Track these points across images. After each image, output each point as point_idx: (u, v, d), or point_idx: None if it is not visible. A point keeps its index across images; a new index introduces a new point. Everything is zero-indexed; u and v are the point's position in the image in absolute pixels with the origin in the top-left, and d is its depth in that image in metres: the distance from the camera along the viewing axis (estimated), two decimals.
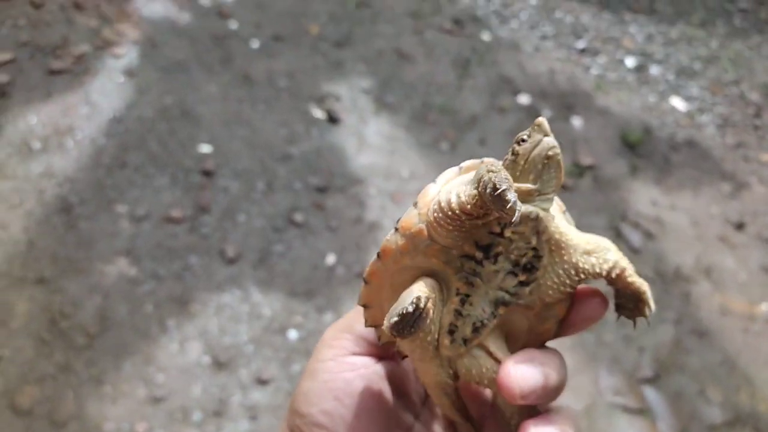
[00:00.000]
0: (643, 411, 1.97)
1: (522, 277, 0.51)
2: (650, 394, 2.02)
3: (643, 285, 0.54)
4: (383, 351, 0.61)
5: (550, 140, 0.49)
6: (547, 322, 0.54)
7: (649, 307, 0.54)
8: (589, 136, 2.95)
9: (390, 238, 0.53)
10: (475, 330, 0.52)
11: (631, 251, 2.45)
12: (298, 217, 2.30)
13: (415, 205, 0.52)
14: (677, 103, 3.29)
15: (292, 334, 1.98)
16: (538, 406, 0.54)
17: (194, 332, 1.93)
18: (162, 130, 2.52)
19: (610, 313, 1.97)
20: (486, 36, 3.45)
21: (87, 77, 2.67)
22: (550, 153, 0.48)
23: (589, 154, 2.85)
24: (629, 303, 0.55)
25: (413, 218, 0.51)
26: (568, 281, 0.52)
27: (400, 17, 3.44)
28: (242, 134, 2.57)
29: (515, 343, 0.55)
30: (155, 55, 2.83)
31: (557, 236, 0.50)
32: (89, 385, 1.77)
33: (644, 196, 2.71)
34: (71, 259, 2.05)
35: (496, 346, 0.53)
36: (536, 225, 0.49)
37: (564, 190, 2.66)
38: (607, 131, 3.00)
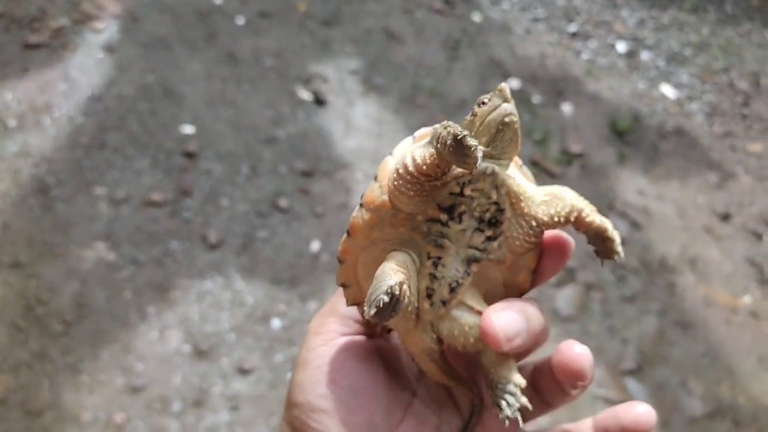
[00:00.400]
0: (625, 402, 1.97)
1: (488, 232, 0.53)
2: (632, 385, 2.03)
3: (605, 223, 0.54)
4: (371, 328, 0.61)
5: (508, 106, 0.50)
6: (520, 274, 0.56)
7: (615, 244, 0.54)
8: (578, 122, 2.92)
9: (356, 214, 0.54)
10: (452, 290, 0.53)
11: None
12: (283, 202, 2.26)
13: (376, 178, 0.53)
14: (667, 90, 3.27)
15: (275, 323, 1.95)
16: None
17: (174, 320, 1.89)
18: (143, 110, 2.45)
19: (595, 303, 1.95)
20: (477, 17, 3.38)
21: (65, 52, 2.58)
22: (506, 119, 0.50)
23: (578, 141, 2.82)
24: (598, 244, 0.55)
25: (375, 191, 0.53)
26: (531, 232, 0.53)
27: None
28: (226, 115, 2.51)
29: (493, 300, 0.56)
30: (136, 30, 2.74)
31: (515, 188, 0.52)
32: (66, 373, 1.73)
33: (632, 185, 2.69)
34: (48, 243, 1.99)
35: (474, 300, 0.55)
36: (494, 180, 0.51)
37: (552, 178, 2.64)
38: (597, 118, 2.97)
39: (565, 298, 2.23)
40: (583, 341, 1.79)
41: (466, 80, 2.98)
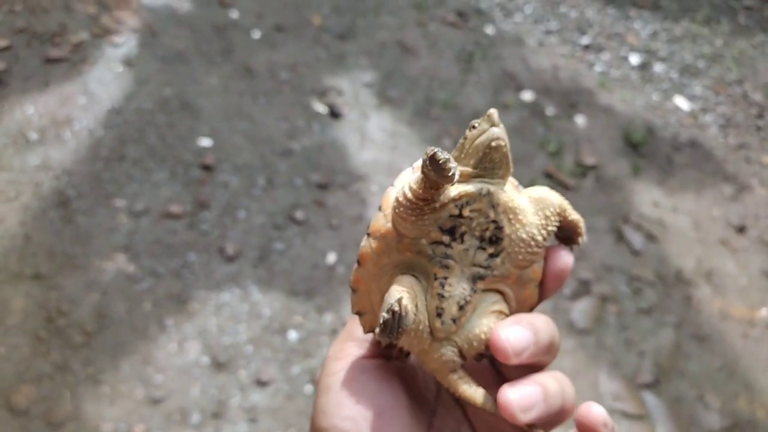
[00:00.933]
0: (642, 416, 1.97)
1: (490, 250, 0.56)
2: (650, 399, 2.02)
3: (579, 219, 0.60)
4: (389, 352, 0.62)
5: (496, 131, 0.53)
6: (527, 288, 0.58)
7: (582, 237, 0.60)
8: (592, 134, 2.92)
9: (364, 243, 0.57)
10: (461, 308, 0.56)
11: (633, 254, 2.44)
12: (299, 214, 2.28)
13: (380, 208, 0.57)
14: (681, 102, 3.26)
15: (292, 335, 1.96)
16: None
17: (193, 332, 1.91)
18: (161, 123, 2.48)
19: (611, 315, 1.95)
20: (490, 29, 3.40)
21: (85, 66, 2.62)
22: (493, 143, 0.53)
23: (592, 153, 2.82)
24: (566, 234, 0.60)
25: (380, 220, 0.56)
26: (533, 242, 0.56)
27: (403, 9, 3.40)
28: (243, 128, 2.53)
29: (506, 314, 0.58)
30: (155, 44, 2.78)
31: (511, 204, 0.55)
32: (86, 384, 1.75)
33: (646, 197, 2.69)
34: (68, 255, 2.02)
35: (480, 317, 0.57)
36: (490, 199, 0.54)
37: (566, 190, 2.64)
38: (611, 130, 2.97)
39: (581, 310, 2.23)
40: (598, 354, 1.80)
41: (479, 92, 3.00)
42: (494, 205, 0.55)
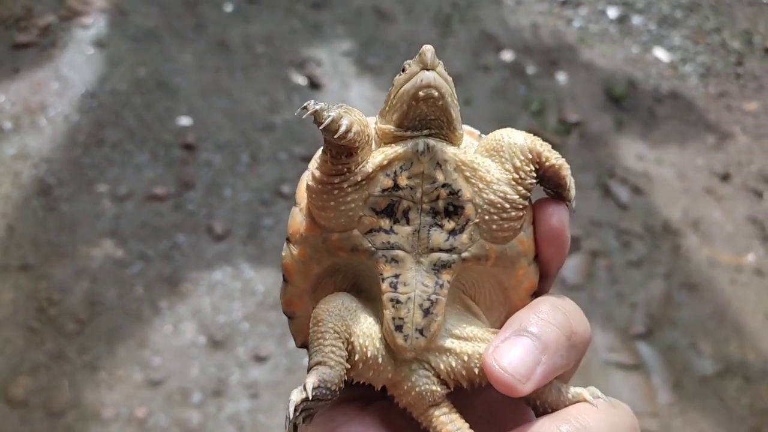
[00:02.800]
0: (637, 366, 2.00)
1: (449, 225, 0.42)
2: (644, 349, 2.06)
3: (562, 163, 0.45)
4: (368, 391, 0.47)
5: (428, 75, 0.40)
6: (517, 266, 0.44)
7: (569, 188, 0.45)
8: (574, 91, 2.91)
9: (285, 253, 0.45)
10: (427, 312, 0.42)
11: (620, 208, 2.46)
12: (286, 188, 2.26)
13: (295, 202, 0.45)
14: (660, 53, 3.26)
15: None
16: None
17: (187, 312, 1.90)
18: (138, 104, 2.43)
19: (601, 270, 1.97)
20: None
21: (55, 50, 2.55)
22: (421, 93, 0.40)
23: (575, 110, 2.82)
24: (551, 188, 0.46)
25: (297, 217, 0.44)
26: (507, 204, 0.42)
27: None
28: (222, 105, 2.49)
29: (497, 310, 0.46)
30: (125, 23, 2.71)
31: (463, 158, 0.42)
32: (84, 372, 1.74)
33: (631, 151, 2.70)
34: (54, 244, 1.99)
35: (462, 324, 0.43)
36: (432, 156, 0.41)
37: (552, 149, 2.64)
38: (592, 86, 2.96)
39: (572, 267, 2.25)
40: (591, 309, 1.82)
41: (459, 55, 2.97)
42: (440, 163, 0.41)
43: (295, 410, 0.39)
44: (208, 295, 1.95)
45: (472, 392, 0.45)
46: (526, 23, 3.22)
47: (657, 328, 2.11)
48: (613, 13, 3.44)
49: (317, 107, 0.38)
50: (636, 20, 3.42)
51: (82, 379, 1.73)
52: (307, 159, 2.12)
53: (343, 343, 0.41)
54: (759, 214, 2.53)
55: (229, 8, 2.90)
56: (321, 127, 0.38)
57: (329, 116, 0.38)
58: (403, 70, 0.42)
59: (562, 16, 3.33)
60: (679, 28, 3.42)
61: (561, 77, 2.98)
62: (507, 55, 3.02)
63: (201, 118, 2.42)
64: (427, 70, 0.40)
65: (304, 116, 0.38)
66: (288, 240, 0.45)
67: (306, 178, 0.44)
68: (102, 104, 2.40)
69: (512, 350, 0.40)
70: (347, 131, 0.38)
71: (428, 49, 0.41)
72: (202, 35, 2.75)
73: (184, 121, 2.40)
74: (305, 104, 0.38)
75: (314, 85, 2.66)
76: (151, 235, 2.05)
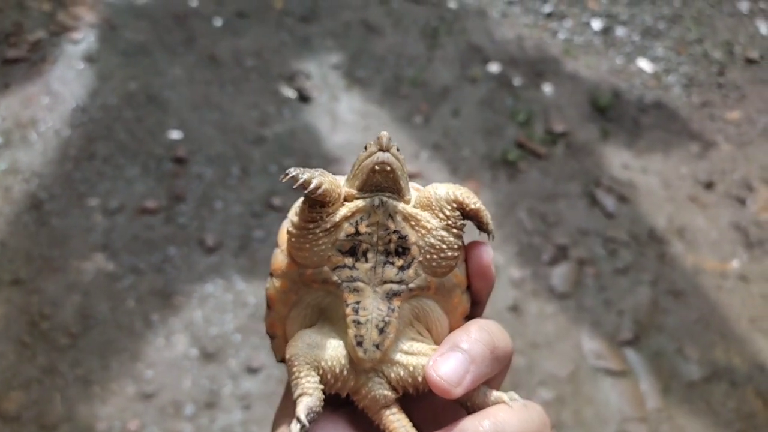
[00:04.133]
0: (625, 372, 2.03)
1: (399, 262, 0.53)
2: (631, 355, 2.09)
3: (480, 207, 0.56)
4: (336, 397, 0.57)
5: (382, 156, 0.52)
6: (452, 295, 0.56)
7: (488, 224, 0.57)
8: (560, 102, 2.96)
9: (268, 285, 0.56)
10: (381, 330, 0.53)
11: (606, 216, 2.49)
12: (276, 201, 2.28)
13: (277, 245, 0.56)
14: (644, 64, 3.32)
15: None
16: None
17: (179, 325, 1.91)
18: (128, 118, 2.44)
19: (589, 278, 2.00)
20: (452, 3, 3.40)
21: (45, 65, 2.56)
22: (377, 167, 0.52)
23: (561, 120, 2.86)
24: (475, 223, 0.58)
25: (279, 257, 0.55)
26: (445, 245, 0.54)
27: None
28: (212, 118, 2.51)
29: (439, 328, 0.56)
30: (115, 38, 2.73)
31: (410, 211, 0.54)
32: (76, 386, 1.75)
33: (616, 160, 2.74)
34: (46, 258, 1.99)
35: (409, 342, 0.55)
36: (386, 209, 0.53)
37: (538, 158, 2.68)
38: (577, 96, 3.01)
39: (559, 275, 2.28)
40: (579, 316, 1.86)
41: (447, 67, 3.01)
42: (391, 215, 0.53)
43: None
44: (199, 307, 1.96)
45: (418, 398, 0.56)
46: (511, 36, 3.27)
47: (644, 334, 2.14)
48: (597, 25, 3.50)
49: (293, 173, 0.51)
50: (620, 32, 3.48)
51: (74, 393, 1.73)
52: None
53: (315, 370, 0.53)
54: (742, 221, 2.58)
55: (218, 22, 2.93)
56: (295, 186, 0.50)
57: (302, 178, 0.50)
58: (366, 149, 0.54)
59: (547, 29, 3.39)
60: (662, 39, 3.49)
61: (547, 88, 3.02)
62: (494, 67, 3.06)
63: (192, 132, 2.43)
64: (383, 151, 0.52)
65: (283, 180, 0.51)
66: (271, 274, 0.56)
67: (286, 225, 0.55)
68: (93, 119, 2.41)
69: (447, 362, 0.50)
70: (317, 188, 0.50)
71: (385, 135, 0.53)
72: (192, 49, 2.78)
73: (175, 134, 2.41)
74: (286, 171, 0.51)
75: (304, 98, 2.69)
76: (142, 249, 2.06)
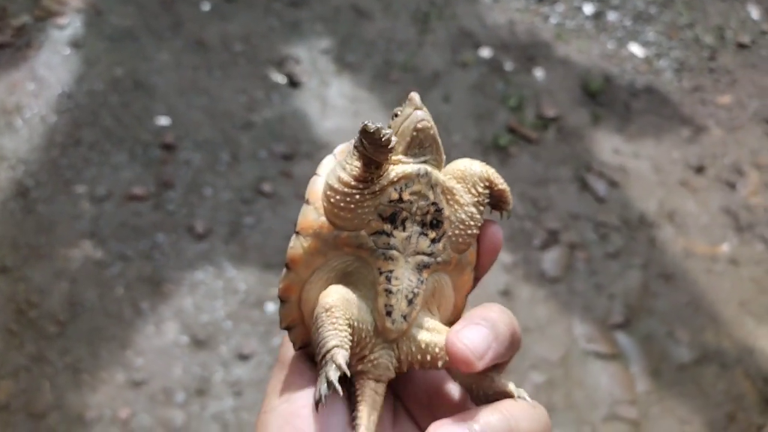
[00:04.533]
0: (616, 356, 2.04)
1: (432, 235, 0.52)
2: (622, 338, 2.09)
3: (506, 187, 0.57)
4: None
5: (420, 113, 0.52)
6: (464, 273, 0.56)
7: (510, 205, 0.58)
8: (551, 87, 2.95)
9: (293, 244, 0.52)
10: (410, 302, 0.52)
11: (597, 201, 2.49)
12: (267, 186, 2.26)
13: (307, 201, 0.53)
14: (635, 49, 3.30)
15: (270, 307, 1.96)
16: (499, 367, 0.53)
17: (169, 312, 1.90)
18: (115, 104, 2.41)
19: (580, 262, 2.00)
20: None
21: (30, 51, 2.52)
22: (419, 125, 0.52)
23: (552, 105, 2.85)
24: (495, 203, 0.58)
25: (311, 214, 0.52)
26: (472, 222, 0.54)
27: None
28: (200, 103, 2.48)
29: (446, 305, 0.56)
30: (101, 23, 2.69)
31: (447, 185, 0.54)
32: (65, 374, 1.73)
33: (607, 145, 2.74)
34: (32, 246, 1.97)
35: (425, 320, 0.54)
36: (428, 179, 0.52)
37: (530, 143, 2.67)
38: (569, 81, 3.00)
39: (551, 259, 2.28)
40: (570, 300, 1.85)
41: (438, 52, 2.98)
42: (433, 186, 0.52)
43: (328, 385, 0.47)
44: (189, 294, 1.95)
45: (417, 382, 0.56)
46: (503, 20, 3.25)
47: (634, 317, 2.14)
48: (588, 9, 3.48)
49: (375, 127, 0.48)
50: (611, 16, 3.47)
51: (63, 381, 1.72)
52: (288, 156, 2.13)
53: (348, 326, 0.50)
54: (733, 204, 2.59)
55: (206, 7, 2.89)
56: (373, 140, 0.48)
57: (385, 133, 0.48)
58: (396, 115, 0.54)
59: (538, 13, 3.37)
60: (653, 24, 3.47)
61: (538, 73, 3.01)
62: (485, 52, 3.04)
63: (179, 117, 2.41)
64: (419, 110, 0.53)
65: (371, 129, 0.47)
66: (298, 233, 0.52)
67: (324, 182, 0.53)
68: (79, 104, 2.38)
69: (472, 333, 0.49)
70: (388, 144, 0.48)
71: (416, 95, 0.54)
72: (179, 34, 2.74)
73: (163, 120, 2.39)
74: (365, 124, 0.48)
75: (293, 83, 2.66)
76: (130, 236, 2.04)
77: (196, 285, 1.97)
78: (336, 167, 0.52)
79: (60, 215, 2.06)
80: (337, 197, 0.51)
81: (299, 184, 2.30)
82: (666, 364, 2.03)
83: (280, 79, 2.67)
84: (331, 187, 0.51)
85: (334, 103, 2.64)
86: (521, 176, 2.52)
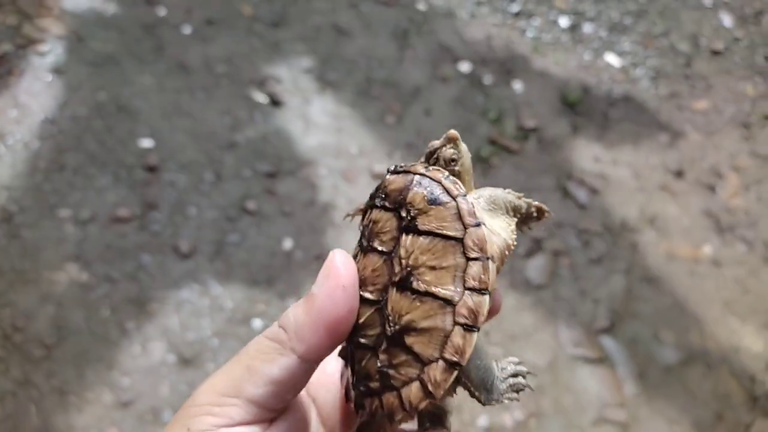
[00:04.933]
0: (602, 360, 2.05)
1: None
2: (608, 342, 2.11)
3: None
4: (279, 413, 0.53)
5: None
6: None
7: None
8: (530, 99, 2.99)
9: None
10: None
11: (579, 208, 2.52)
12: (251, 204, 2.27)
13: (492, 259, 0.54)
14: (611, 59, 3.37)
15: (257, 323, 1.97)
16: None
17: (155, 332, 1.90)
18: (98, 128, 2.43)
19: (564, 269, 2.01)
20: (421, 5, 3.43)
21: (12, 78, 2.54)
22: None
23: (531, 116, 2.89)
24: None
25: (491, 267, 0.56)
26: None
27: None
28: (183, 125, 2.50)
29: None
30: (82, 49, 2.71)
31: None
32: (52, 397, 1.72)
33: (587, 154, 2.78)
34: (18, 270, 1.97)
35: None
36: None
37: (511, 154, 2.70)
38: (547, 93, 3.05)
39: (535, 267, 2.30)
40: (556, 306, 1.87)
41: (418, 68, 3.03)
42: None
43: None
44: (176, 313, 1.95)
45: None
46: (480, 35, 3.30)
47: (620, 321, 2.16)
48: (564, 22, 3.55)
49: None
50: (587, 28, 3.54)
51: (50, 404, 1.71)
52: (271, 174, 2.15)
53: None
54: (713, 207, 2.63)
55: (187, 30, 2.93)
56: (538, 219, 0.65)
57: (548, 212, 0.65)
58: (434, 152, 0.60)
59: (515, 28, 3.43)
60: (628, 34, 3.54)
61: (517, 86, 3.06)
62: (464, 66, 3.09)
63: (163, 139, 2.42)
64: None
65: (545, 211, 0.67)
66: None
67: (507, 240, 0.57)
68: (62, 130, 2.39)
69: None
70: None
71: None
72: (161, 58, 2.77)
73: (146, 142, 2.40)
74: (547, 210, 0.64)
75: (275, 102, 2.69)
76: (115, 258, 2.05)
77: (181, 304, 1.97)
78: (507, 230, 0.57)
79: (45, 239, 2.06)
80: (507, 254, 0.56)
81: (283, 201, 2.32)
82: (652, 367, 2.04)
83: (262, 98, 2.70)
84: (509, 247, 0.56)
85: (317, 121, 2.67)
86: (504, 186, 2.53)
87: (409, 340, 0.50)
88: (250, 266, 2.10)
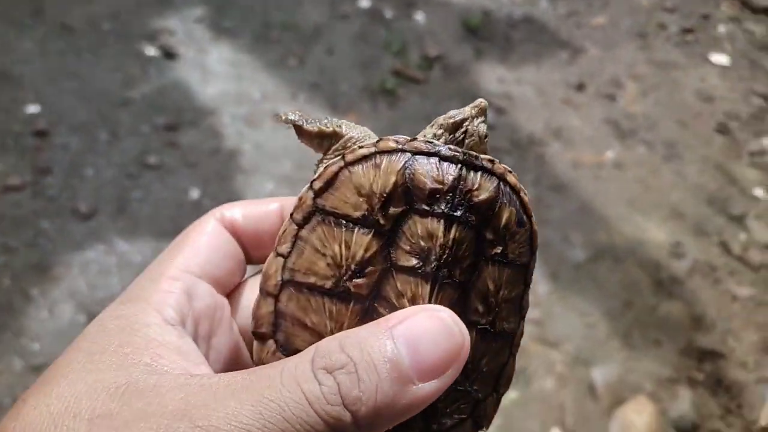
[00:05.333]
0: None
1: None
2: None
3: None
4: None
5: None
6: None
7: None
8: (432, 28, 2.99)
9: None
10: None
11: (488, 128, 2.55)
12: (152, 159, 2.21)
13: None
14: None
15: None
16: None
17: (62, 295, 1.84)
18: None
19: None
20: None
21: None
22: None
23: (435, 45, 2.90)
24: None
25: None
26: None
27: None
28: (71, 87, 2.39)
29: None
30: None
31: None
32: None
33: (491, 76, 2.81)
34: None
35: None
36: None
37: (417, 84, 2.71)
38: (449, 21, 3.05)
39: None
40: None
41: (316, 8, 2.97)
42: None
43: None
44: (82, 275, 1.89)
45: None
46: None
47: None
48: None
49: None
50: None
51: None
52: (172, 127, 2.09)
53: None
54: (614, 115, 2.72)
55: None
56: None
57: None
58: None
59: None
60: None
61: (419, 17, 3.05)
62: (364, 3, 3.05)
63: (50, 104, 2.31)
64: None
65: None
66: None
67: None
68: None
69: None
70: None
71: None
72: (41, 21, 2.62)
73: (33, 108, 2.29)
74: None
75: (169, 55, 2.60)
76: (11, 227, 1.96)
77: (87, 264, 1.91)
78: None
79: None
80: None
81: (186, 152, 2.26)
82: (563, 266, 2.12)
83: (154, 52, 2.60)
84: None
85: (215, 70, 2.59)
86: (411, 116, 2.56)
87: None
88: (157, 219, 2.05)
